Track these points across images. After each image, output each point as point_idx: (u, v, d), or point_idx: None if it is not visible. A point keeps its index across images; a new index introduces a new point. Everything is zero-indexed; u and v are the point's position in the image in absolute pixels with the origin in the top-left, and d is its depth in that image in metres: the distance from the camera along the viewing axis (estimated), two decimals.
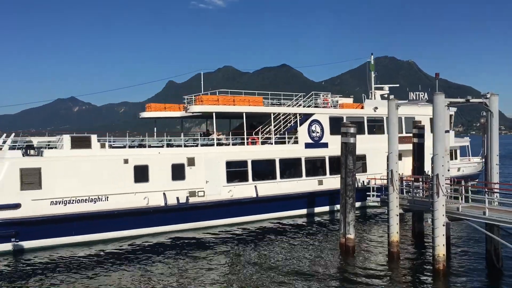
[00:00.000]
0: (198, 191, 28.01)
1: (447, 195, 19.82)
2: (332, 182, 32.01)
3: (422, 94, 21.79)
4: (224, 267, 20.50)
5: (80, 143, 25.46)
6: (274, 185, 30.68)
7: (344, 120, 33.43)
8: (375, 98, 38.84)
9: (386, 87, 39.88)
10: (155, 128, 35.35)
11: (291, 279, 18.63)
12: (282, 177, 31.35)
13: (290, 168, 31.84)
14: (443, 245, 18.52)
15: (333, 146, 32.09)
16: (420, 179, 24.71)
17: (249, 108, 31.81)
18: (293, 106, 34.21)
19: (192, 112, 31.46)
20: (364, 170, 34.51)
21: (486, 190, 19.96)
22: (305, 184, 31.65)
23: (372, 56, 39.96)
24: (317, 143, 33.39)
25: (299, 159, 32.13)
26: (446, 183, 19.43)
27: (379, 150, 33.17)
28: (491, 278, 18.62)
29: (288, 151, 31.91)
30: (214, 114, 30.99)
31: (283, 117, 33.19)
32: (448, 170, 21.26)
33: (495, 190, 20.10)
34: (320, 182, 32.73)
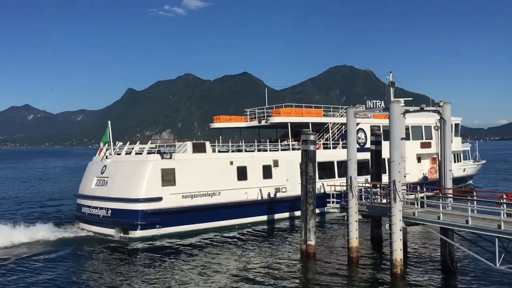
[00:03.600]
0: (281, 188, 33.49)
1: (404, 200, 20.39)
2: None
3: (379, 102, 22.38)
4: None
5: (199, 148, 30.74)
6: (334, 182, 33.59)
7: (381, 129, 38.92)
8: None
9: (402, 100, 42.92)
10: (220, 137, 39.75)
11: (250, 286, 18.63)
12: (339, 176, 36.12)
13: (345, 168, 34.01)
14: (400, 249, 19.00)
15: None
16: (378, 185, 25.28)
17: (314, 119, 37.75)
18: (341, 117, 39.85)
19: (272, 123, 36.99)
20: None
21: (440, 195, 20.62)
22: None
23: (391, 74, 43.39)
24: (362, 147, 38.43)
25: None
26: (402, 189, 19.98)
27: (407, 153, 38.17)
28: (446, 280, 19.20)
29: (343, 154, 35.11)
30: (289, 124, 36.39)
31: (333, 126, 39.22)
32: (405, 176, 21.89)
33: (449, 195, 20.78)
34: (366, 181, 35.78)
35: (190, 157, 30.04)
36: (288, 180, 33.90)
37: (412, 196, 22.06)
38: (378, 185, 25.35)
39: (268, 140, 37.14)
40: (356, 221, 21.75)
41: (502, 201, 18.09)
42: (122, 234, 27.67)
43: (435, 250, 23.04)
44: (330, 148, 37.85)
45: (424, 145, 44.83)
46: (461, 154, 50.75)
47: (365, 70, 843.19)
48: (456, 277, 19.47)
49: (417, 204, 20.70)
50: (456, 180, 47.59)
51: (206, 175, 30.15)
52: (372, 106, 22.42)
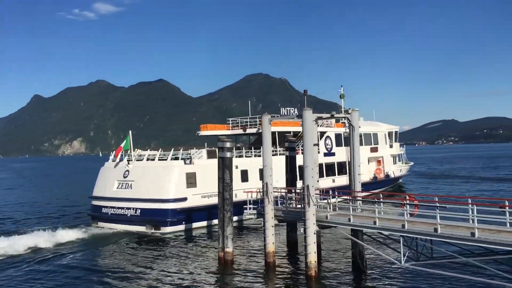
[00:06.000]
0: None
1: (317, 204, 21.11)
2: (339, 180, 44.34)
3: (292, 109, 23.04)
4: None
5: (211, 154, 34.49)
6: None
7: (343, 136, 45.91)
8: None
9: (350, 110, 45.82)
10: (205, 143, 43.23)
11: None
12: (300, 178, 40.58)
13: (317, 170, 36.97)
14: (315, 252, 19.64)
15: (338, 155, 46.24)
16: (293, 190, 25.94)
17: (293, 128, 41.29)
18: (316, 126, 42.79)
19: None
20: None
21: (350, 198, 21.62)
22: (325, 182, 40.38)
23: (342, 87, 48.88)
24: (329, 152, 45.95)
25: (321, 164, 41.54)
26: (316, 194, 20.69)
27: (361, 156, 44.49)
28: (357, 280, 20.14)
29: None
30: (276, 133, 39.66)
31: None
32: (318, 181, 22.62)
33: (358, 198, 21.84)
34: (333, 180, 44.26)
35: (206, 162, 34.29)
36: (277, 181, 36.23)
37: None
38: (293, 190, 26.01)
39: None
40: (273, 226, 22.15)
41: (405, 202, 19.36)
42: (153, 230, 31.34)
43: (347, 251, 24.09)
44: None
45: (373, 150, 52.61)
46: (397, 157, 58.99)
47: (280, 79, 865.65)
48: (365, 275, 20.48)
49: (330, 208, 21.55)
50: (395, 179, 56.83)
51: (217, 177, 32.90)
52: (286, 114, 23.02)
